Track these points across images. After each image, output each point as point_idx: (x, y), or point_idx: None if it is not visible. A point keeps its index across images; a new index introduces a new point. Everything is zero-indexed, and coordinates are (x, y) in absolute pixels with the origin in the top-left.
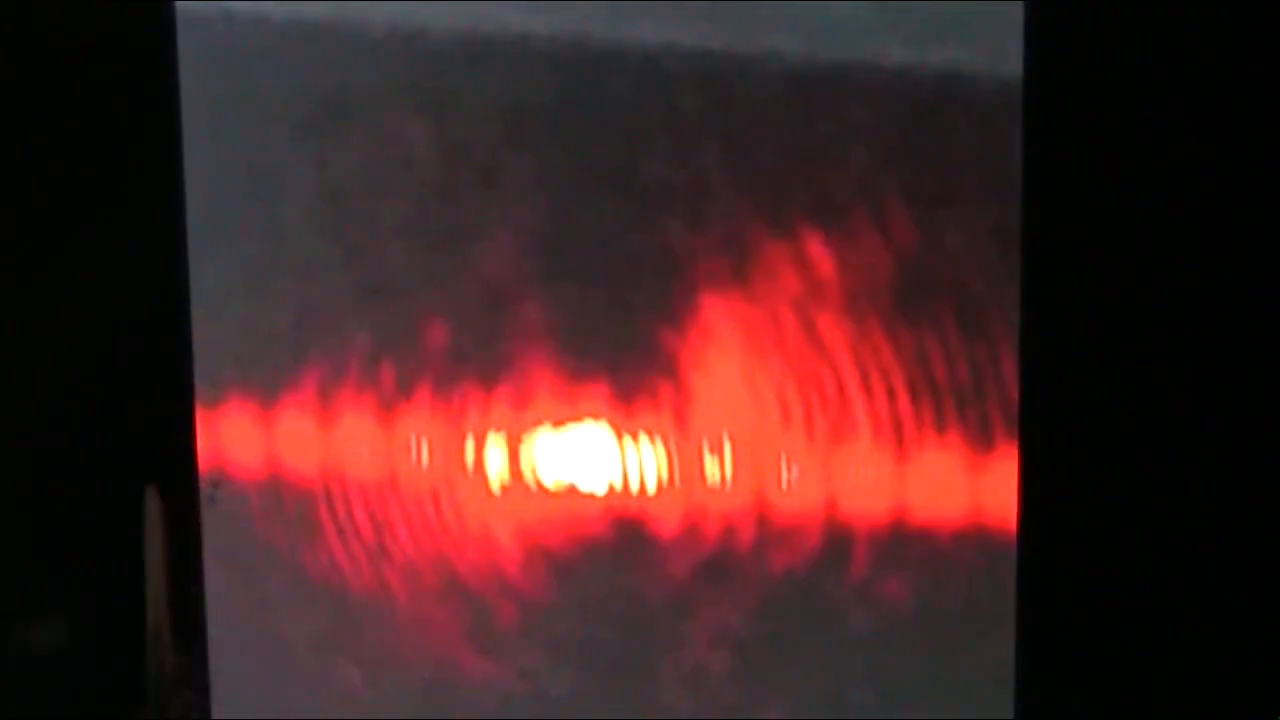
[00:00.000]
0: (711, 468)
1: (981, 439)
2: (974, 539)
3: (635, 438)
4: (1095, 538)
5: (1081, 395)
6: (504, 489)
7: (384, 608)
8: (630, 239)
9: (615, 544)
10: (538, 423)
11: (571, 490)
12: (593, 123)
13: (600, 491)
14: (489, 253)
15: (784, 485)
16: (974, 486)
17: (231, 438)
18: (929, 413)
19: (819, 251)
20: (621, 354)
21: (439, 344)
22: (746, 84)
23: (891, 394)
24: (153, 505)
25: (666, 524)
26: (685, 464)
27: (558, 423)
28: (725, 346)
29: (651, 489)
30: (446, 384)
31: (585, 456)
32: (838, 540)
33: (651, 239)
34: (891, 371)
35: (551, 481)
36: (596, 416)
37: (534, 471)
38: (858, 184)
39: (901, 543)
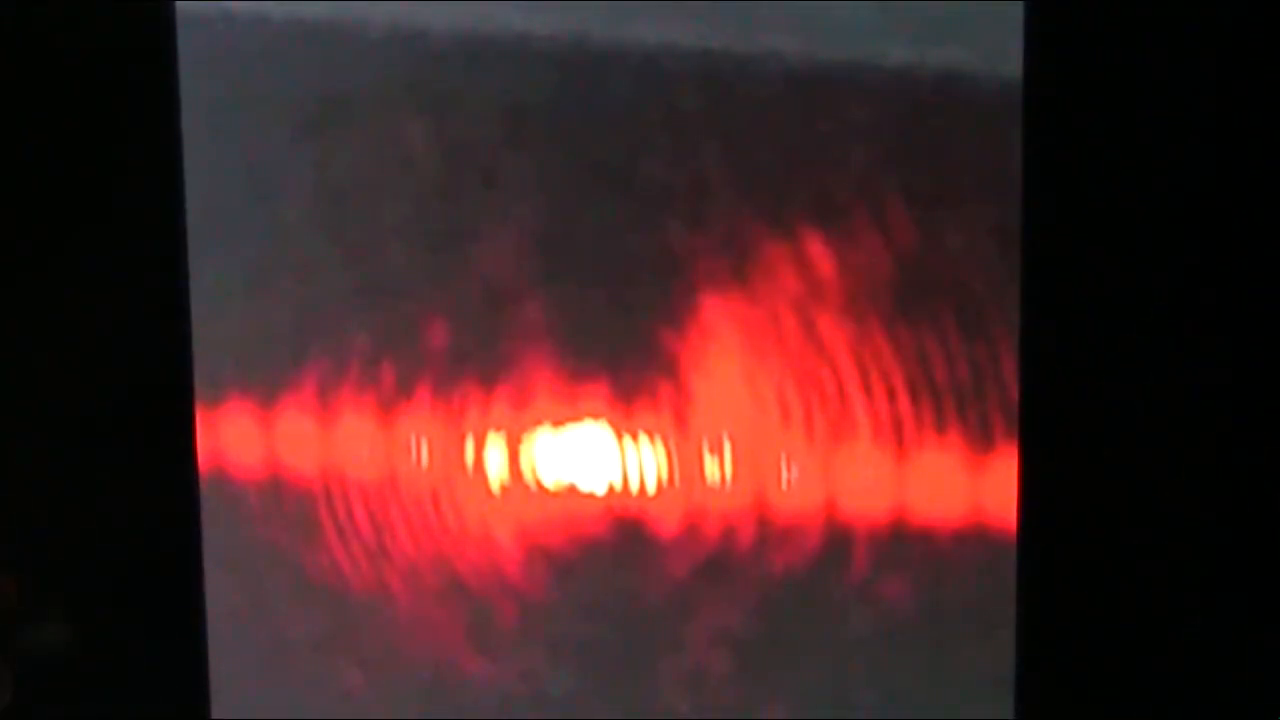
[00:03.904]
0: (711, 468)
1: (981, 439)
2: (974, 539)
3: (635, 438)
4: (1095, 538)
5: (1081, 395)
6: (504, 489)
7: (384, 608)
8: (630, 239)
9: (615, 544)
10: (538, 423)
11: (571, 490)
12: (593, 123)
13: (600, 491)
14: (489, 253)
15: (784, 485)
16: (974, 486)
17: (231, 438)
18: (929, 413)
19: (819, 251)
20: (621, 354)
21: (439, 344)
22: (746, 84)
23: (891, 394)
24: None
25: (666, 524)
26: (685, 464)
27: (558, 423)
28: (725, 346)
29: (651, 489)
30: (446, 384)
31: (585, 456)
32: (838, 540)
33: (651, 239)
34: (891, 371)
35: (551, 481)
36: (596, 416)
37: (534, 471)
38: (858, 184)
39: (901, 543)
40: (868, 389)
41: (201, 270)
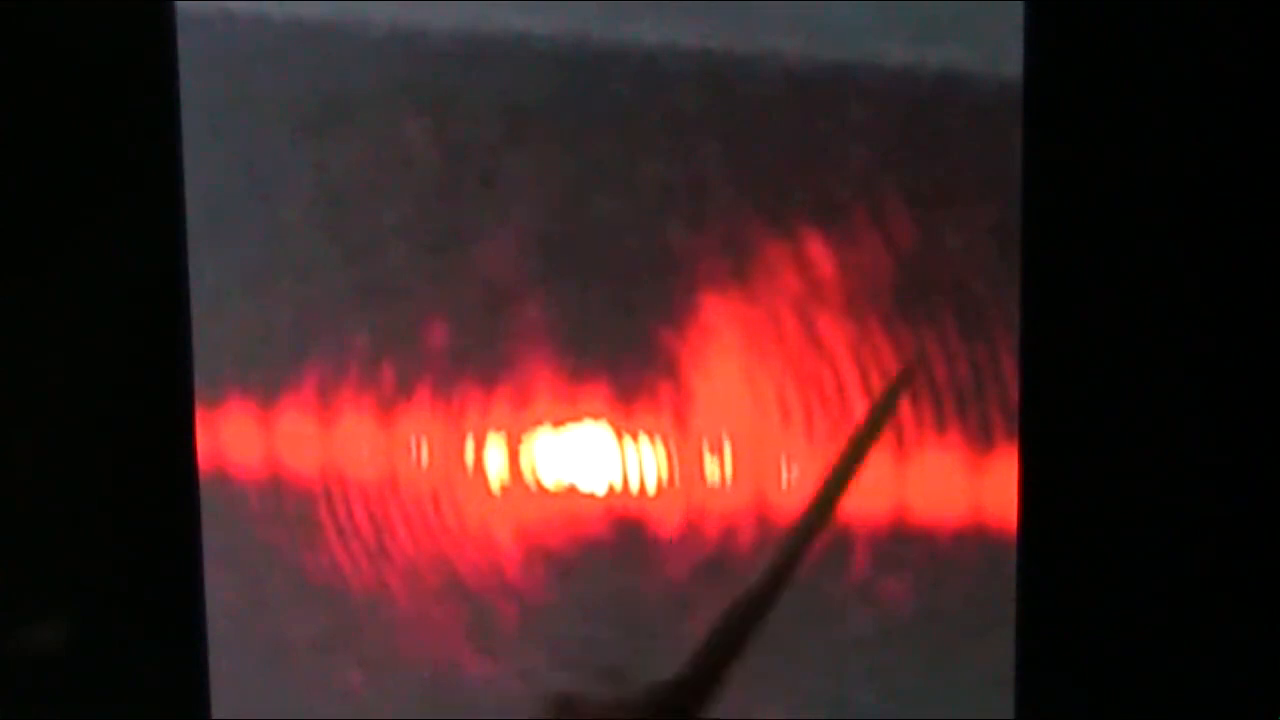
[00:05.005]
0: (711, 468)
1: (981, 439)
2: (974, 539)
3: (635, 438)
4: (1095, 538)
5: (1081, 395)
6: (504, 489)
7: (384, 608)
8: (630, 239)
9: (615, 544)
10: (538, 423)
11: (571, 490)
12: (593, 123)
13: (600, 491)
14: (489, 253)
15: (784, 485)
16: (974, 486)
17: (231, 438)
18: (929, 413)
19: (819, 251)
20: (621, 354)
21: (439, 344)
22: (746, 84)
23: None
24: None
25: (666, 524)
26: (685, 464)
27: (558, 423)
28: (725, 346)
29: (651, 489)
30: (446, 384)
31: (585, 456)
32: (838, 540)
33: (651, 239)
34: (891, 371)
35: (551, 481)
36: (596, 416)
37: (534, 471)
38: (858, 184)
39: (901, 543)
40: (868, 389)
41: (201, 270)
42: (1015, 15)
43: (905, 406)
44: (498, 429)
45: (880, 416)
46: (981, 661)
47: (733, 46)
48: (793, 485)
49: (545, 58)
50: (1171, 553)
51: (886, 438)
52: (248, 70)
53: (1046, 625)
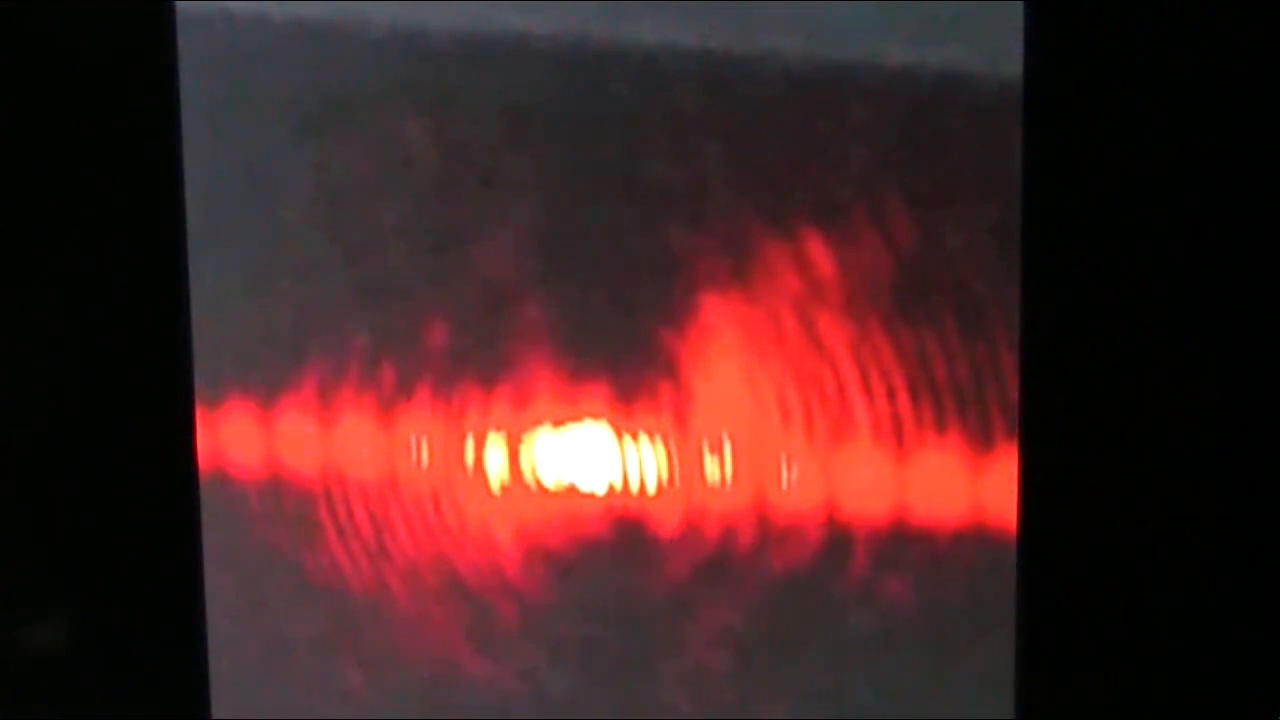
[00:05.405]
0: (711, 468)
1: (981, 439)
2: (974, 539)
3: (635, 438)
4: (1095, 538)
5: (1081, 395)
6: (504, 489)
7: (384, 608)
8: (630, 239)
9: (615, 544)
10: (538, 423)
11: (571, 490)
12: (593, 123)
13: (600, 491)
14: (489, 253)
15: (784, 485)
16: (974, 486)
17: (231, 438)
18: (929, 413)
19: (819, 251)
20: (621, 354)
21: (439, 344)
22: (746, 84)
23: (891, 394)
24: None
25: (666, 524)
26: (685, 464)
27: (558, 423)
28: (725, 346)
29: (651, 489)
30: (446, 384)
31: (585, 456)
32: (838, 540)
33: (651, 239)
34: (891, 371)
35: (551, 481)
36: (596, 416)
37: (534, 471)
38: (858, 184)
39: (901, 543)
40: (868, 389)
41: (201, 270)
42: (1015, 15)
43: (905, 406)
44: (498, 429)
45: None
46: (981, 661)
47: (733, 46)
48: (793, 485)
49: (545, 58)
50: (1171, 553)
51: (887, 438)
52: (248, 70)
53: (1046, 625)
